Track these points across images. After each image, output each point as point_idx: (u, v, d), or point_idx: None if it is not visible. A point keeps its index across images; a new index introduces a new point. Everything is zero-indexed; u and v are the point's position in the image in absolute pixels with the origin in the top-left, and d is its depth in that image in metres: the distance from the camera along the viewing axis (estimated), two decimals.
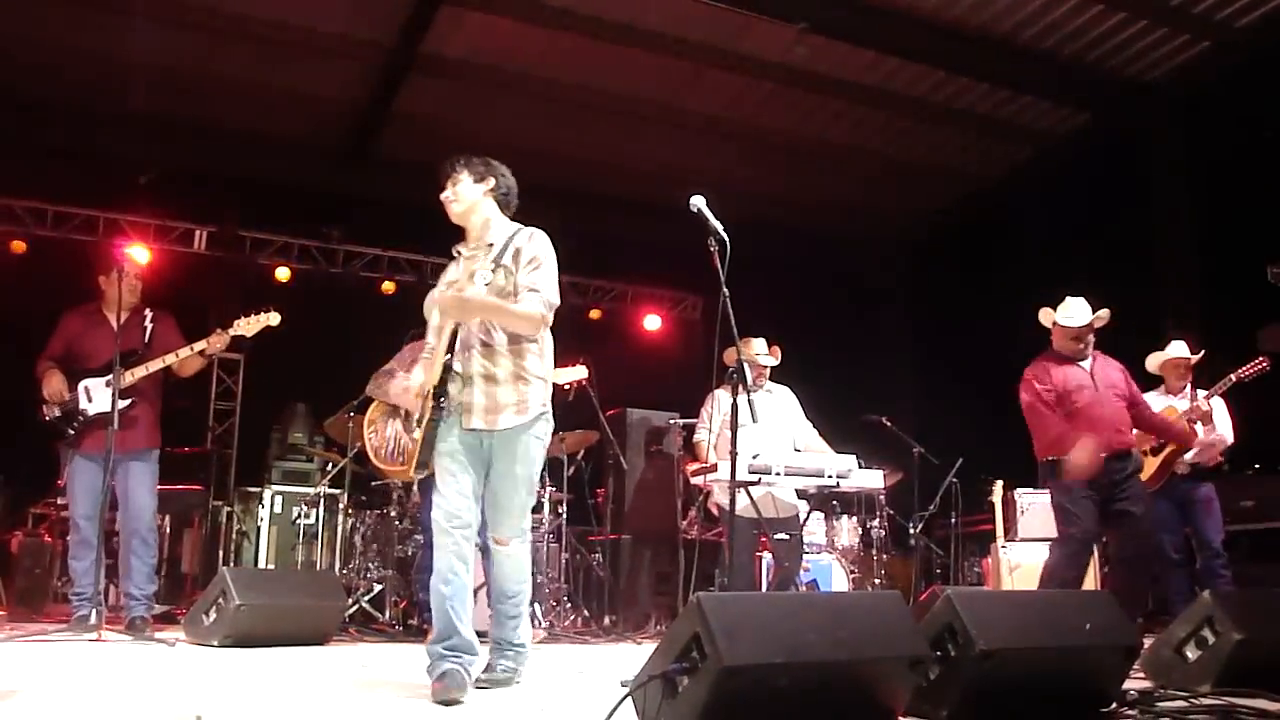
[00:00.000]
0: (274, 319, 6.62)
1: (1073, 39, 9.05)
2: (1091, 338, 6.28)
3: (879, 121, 10.57)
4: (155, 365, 6.48)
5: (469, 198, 4.37)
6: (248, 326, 6.55)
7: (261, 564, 8.74)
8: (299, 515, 8.73)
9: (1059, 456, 5.99)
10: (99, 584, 6.19)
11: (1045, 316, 6.42)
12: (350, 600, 7.30)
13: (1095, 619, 3.56)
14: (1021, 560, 7.91)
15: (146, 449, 6.66)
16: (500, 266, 4.21)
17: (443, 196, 4.38)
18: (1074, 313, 6.28)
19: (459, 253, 4.36)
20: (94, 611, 6.07)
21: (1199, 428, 6.96)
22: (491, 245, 4.29)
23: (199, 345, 6.54)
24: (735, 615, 2.84)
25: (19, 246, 10.24)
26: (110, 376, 6.28)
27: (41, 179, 10.22)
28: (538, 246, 4.29)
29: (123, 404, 6.28)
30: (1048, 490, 6.31)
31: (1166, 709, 3.61)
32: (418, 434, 4.15)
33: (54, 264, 10.16)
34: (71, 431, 6.48)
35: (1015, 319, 9.77)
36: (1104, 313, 6.26)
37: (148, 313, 6.73)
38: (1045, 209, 10.44)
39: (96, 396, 6.47)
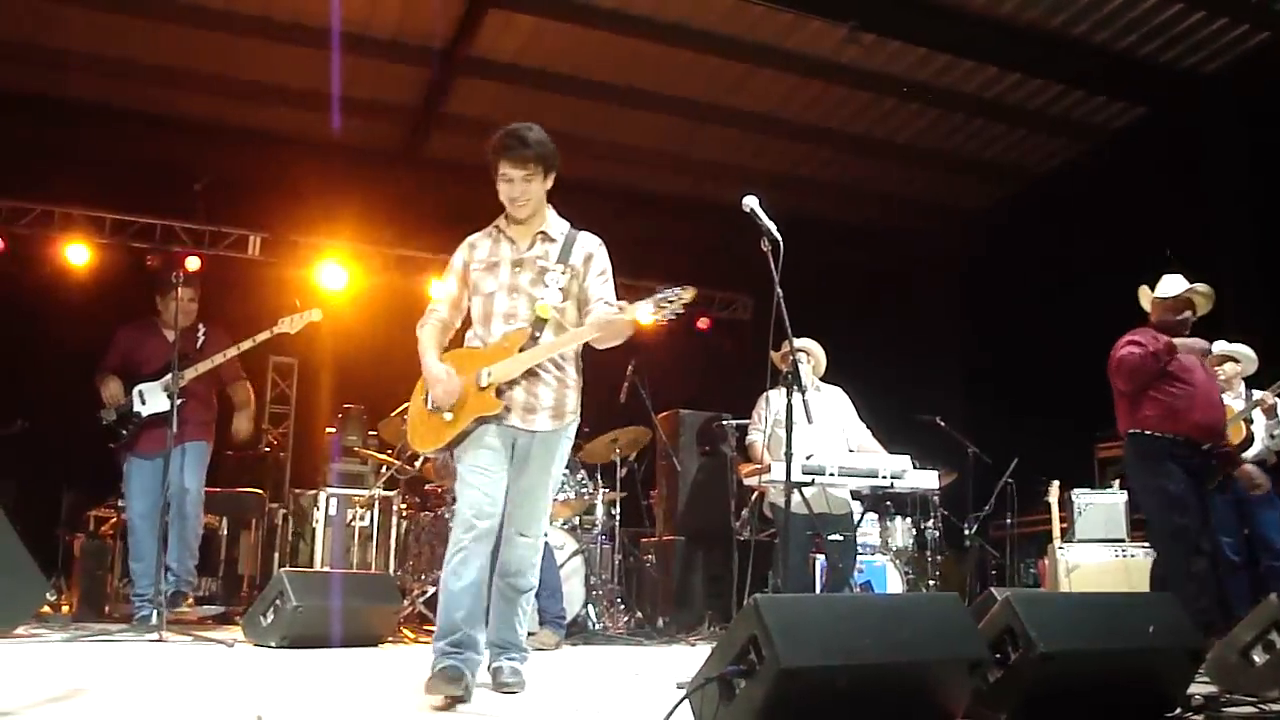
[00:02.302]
0: (316, 315, 6.94)
1: (1127, 31, 8.91)
2: (1190, 315, 6.06)
3: (930, 119, 10.47)
4: (204, 366, 6.78)
5: (539, 196, 4.22)
6: (292, 324, 6.83)
7: (317, 566, 8.81)
8: (354, 517, 8.81)
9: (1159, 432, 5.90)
10: (159, 585, 6.31)
11: (1144, 296, 6.22)
12: (405, 602, 7.35)
13: (1158, 622, 3.50)
14: (1080, 561, 7.82)
15: (198, 439, 6.94)
16: (569, 268, 4.19)
17: (508, 185, 4.16)
18: (1172, 285, 6.09)
19: (502, 231, 4.27)
20: (154, 612, 6.19)
21: (1261, 423, 6.83)
22: (548, 237, 4.23)
23: (245, 344, 6.83)
24: (793, 617, 2.82)
25: (79, 254, 10.40)
26: (164, 380, 6.55)
27: (99, 188, 10.38)
28: (607, 258, 4.31)
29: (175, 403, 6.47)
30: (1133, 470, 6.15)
31: (1233, 715, 3.55)
32: (449, 416, 4.12)
33: (112, 271, 10.33)
34: (125, 433, 6.75)
35: (1070, 316, 9.66)
36: (1203, 286, 6.03)
37: (200, 325, 7.04)
38: (1100, 205, 10.29)
39: (150, 399, 6.77)
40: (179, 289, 6.70)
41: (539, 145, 4.13)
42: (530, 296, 4.14)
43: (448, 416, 4.10)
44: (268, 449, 10.83)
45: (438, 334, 4.32)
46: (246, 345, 6.84)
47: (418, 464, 8.07)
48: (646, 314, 4.00)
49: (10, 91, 9.74)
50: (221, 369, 6.94)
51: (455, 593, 4.00)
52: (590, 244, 4.27)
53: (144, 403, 6.78)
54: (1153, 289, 6.17)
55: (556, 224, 4.28)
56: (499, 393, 4.08)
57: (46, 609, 6.85)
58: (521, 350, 4.08)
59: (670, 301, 3.98)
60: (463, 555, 4.01)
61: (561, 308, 4.17)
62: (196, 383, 6.82)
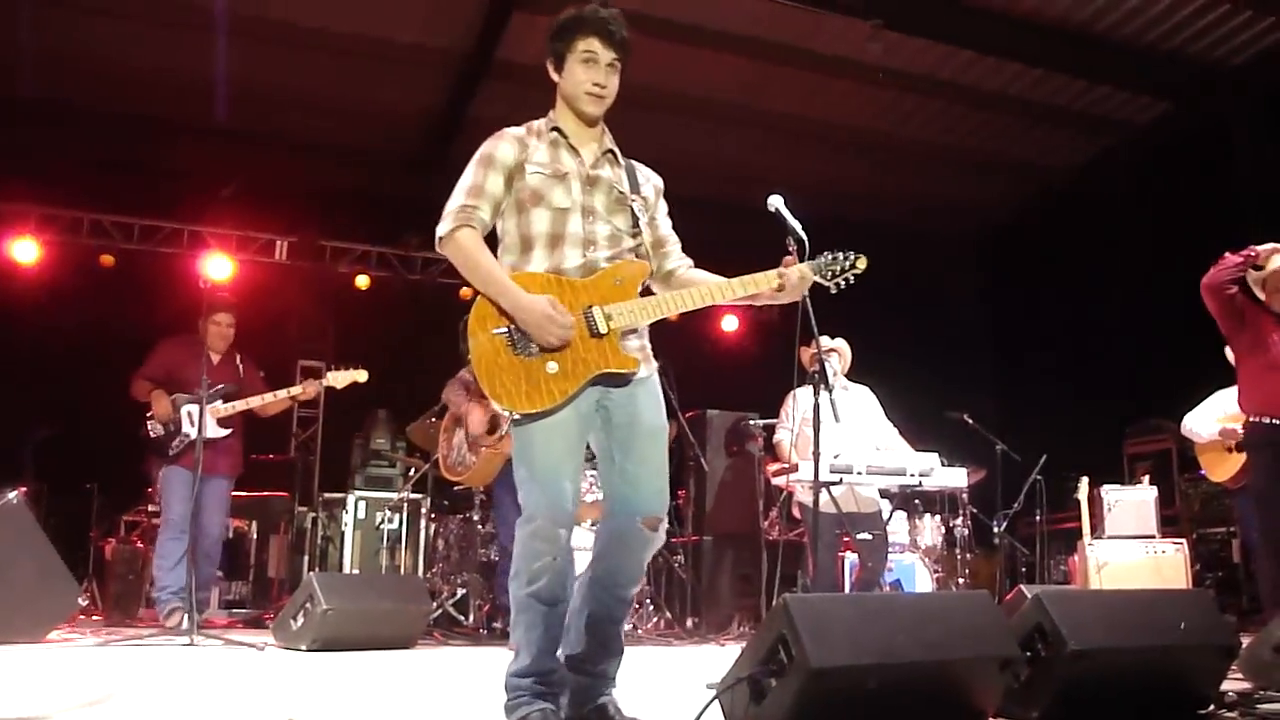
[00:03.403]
0: (362, 376, 7.34)
1: (1152, 26, 8.87)
2: None
3: (954, 116, 10.44)
4: (255, 403, 7.19)
5: (613, 98, 3.46)
6: (338, 380, 7.28)
7: (346, 569, 8.86)
8: (382, 520, 8.86)
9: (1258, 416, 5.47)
10: (192, 588, 6.43)
11: (1255, 280, 5.79)
12: (434, 604, 7.38)
13: (1190, 618, 3.48)
14: (1109, 558, 7.77)
15: (230, 474, 7.32)
16: (642, 199, 3.47)
17: (590, 68, 3.39)
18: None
19: (563, 137, 3.41)
20: (185, 616, 6.26)
21: None
22: (615, 160, 3.49)
23: (295, 390, 7.26)
24: (823, 617, 2.81)
25: (108, 260, 10.49)
26: (213, 405, 6.94)
27: (128, 194, 10.46)
28: None
29: (223, 433, 7.06)
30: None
31: (1268, 712, 3.52)
32: (554, 366, 3.11)
33: (142, 277, 10.41)
34: (172, 451, 7.02)
35: (1098, 312, 9.62)
36: None
37: (237, 355, 7.41)
38: (1126, 200, 10.24)
39: (199, 422, 6.95)
40: (220, 314, 7.22)
41: (628, 35, 3.42)
42: (610, 224, 3.34)
43: (551, 367, 3.11)
44: (297, 452, 10.89)
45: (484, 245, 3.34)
46: (295, 392, 7.23)
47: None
48: (810, 277, 3.38)
49: (40, 101, 9.85)
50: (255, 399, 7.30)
51: (555, 618, 3.14)
52: (655, 177, 3.60)
53: (193, 424, 7.01)
54: (1259, 267, 5.77)
55: (614, 145, 3.51)
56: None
57: (79, 613, 6.93)
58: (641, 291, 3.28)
59: (838, 269, 3.35)
60: (557, 567, 3.13)
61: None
62: (239, 416, 7.21)
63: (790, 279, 3.30)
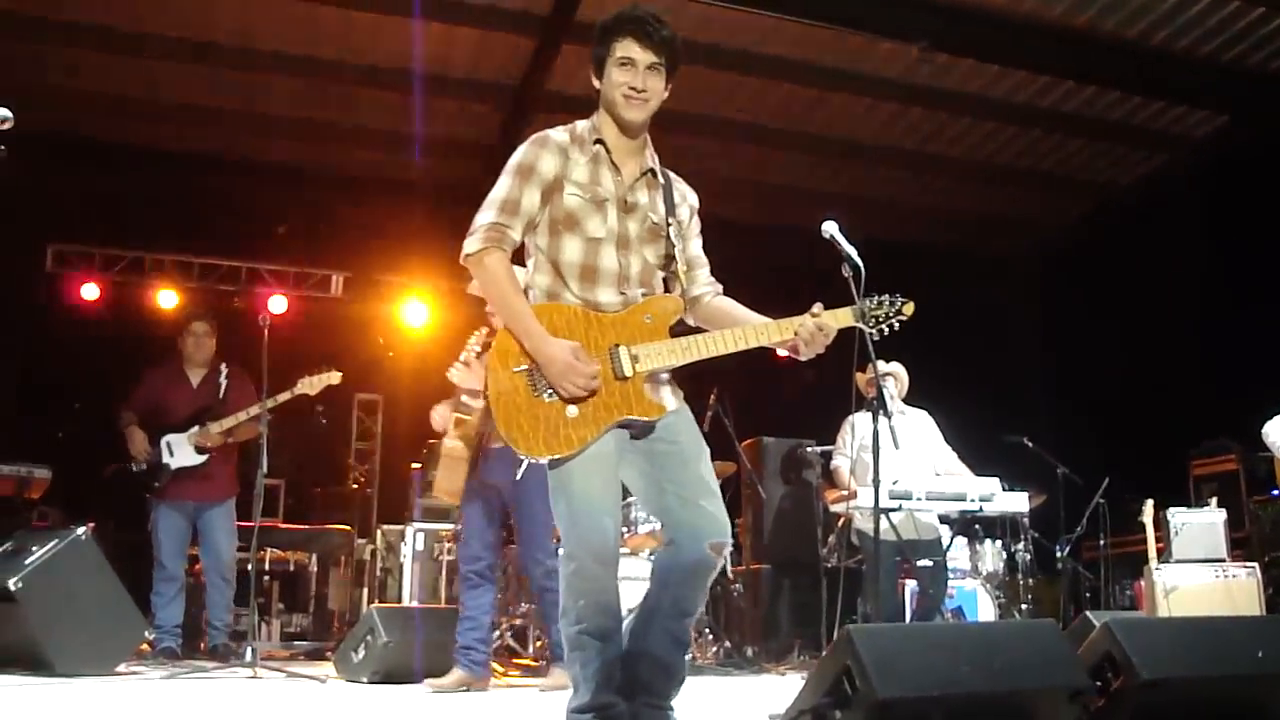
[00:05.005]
0: (336, 378, 6.98)
1: (1209, 38, 8.74)
2: None
3: (1007, 135, 10.36)
4: (228, 423, 6.98)
5: (658, 102, 3.22)
6: (310, 386, 6.92)
7: (406, 601, 8.88)
8: (440, 552, 8.87)
9: None
10: (255, 622, 6.53)
11: None
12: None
13: (1268, 646, 3.39)
14: (1178, 583, 7.59)
15: (223, 499, 7.18)
16: (676, 223, 3.28)
17: (627, 71, 3.15)
18: None
19: (607, 151, 3.24)
20: (249, 649, 6.34)
21: None
22: (654, 180, 3.31)
23: (268, 402, 6.70)
24: (887, 647, 2.78)
25: (169, 299, 10.64)
26: (190, 432, 6.96)
27: (187, 233, 10.62)
28: None
29: (199, 460, 6.96)
30: None
31: None
32: (574, 411, 2.99)
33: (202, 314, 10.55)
34: (157, 485, 7.03)
35: (1160, 330, 9.45)
36: None
37: (223, 368, 7.27)
38: (1186, 215, 10.08)
39: (177, 451, 7.04)
40: (194, 323, 7.25)
41: (672, 35, 3.17)
42: (643, 256, 3.21)
43: (571, 411, 2.98)
44: (355, 485, 10.97)
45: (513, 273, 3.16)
46: (269, 404, 6.82)
47: None
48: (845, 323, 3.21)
49: (102, 142, 10.06)
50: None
51: (610, 652, 3.03)
52: (691, 194, 3.40)
53: (172, 455, 7.03)
54: None
55: (655, 162, 3.31)
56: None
57: (145, 646, 7.00)
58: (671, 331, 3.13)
59: (883, 315, 3.25)
60: (604, 603, 3.03)
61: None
62: (219, 436, 7.05)
63: (805, 330, 3.10)
